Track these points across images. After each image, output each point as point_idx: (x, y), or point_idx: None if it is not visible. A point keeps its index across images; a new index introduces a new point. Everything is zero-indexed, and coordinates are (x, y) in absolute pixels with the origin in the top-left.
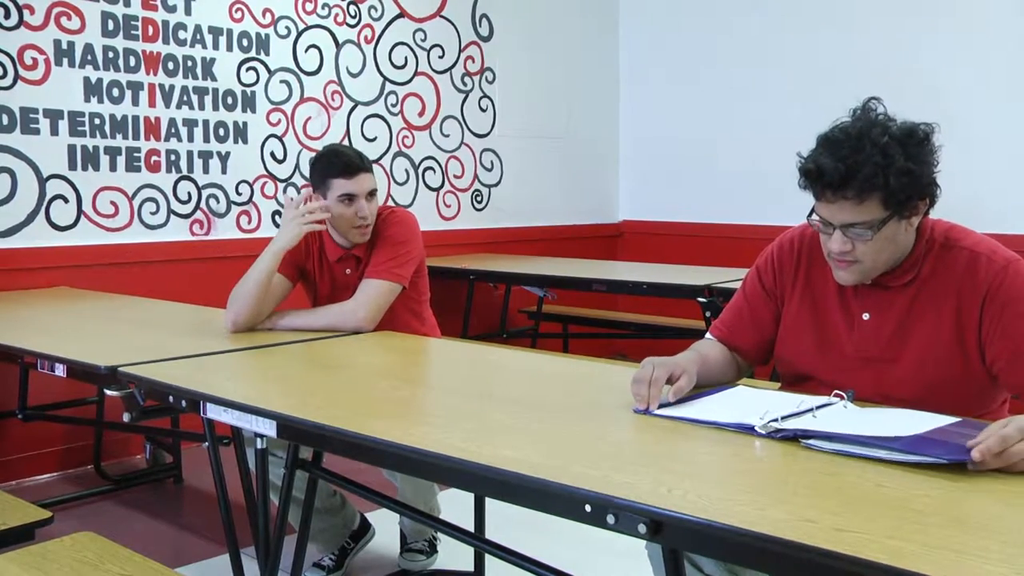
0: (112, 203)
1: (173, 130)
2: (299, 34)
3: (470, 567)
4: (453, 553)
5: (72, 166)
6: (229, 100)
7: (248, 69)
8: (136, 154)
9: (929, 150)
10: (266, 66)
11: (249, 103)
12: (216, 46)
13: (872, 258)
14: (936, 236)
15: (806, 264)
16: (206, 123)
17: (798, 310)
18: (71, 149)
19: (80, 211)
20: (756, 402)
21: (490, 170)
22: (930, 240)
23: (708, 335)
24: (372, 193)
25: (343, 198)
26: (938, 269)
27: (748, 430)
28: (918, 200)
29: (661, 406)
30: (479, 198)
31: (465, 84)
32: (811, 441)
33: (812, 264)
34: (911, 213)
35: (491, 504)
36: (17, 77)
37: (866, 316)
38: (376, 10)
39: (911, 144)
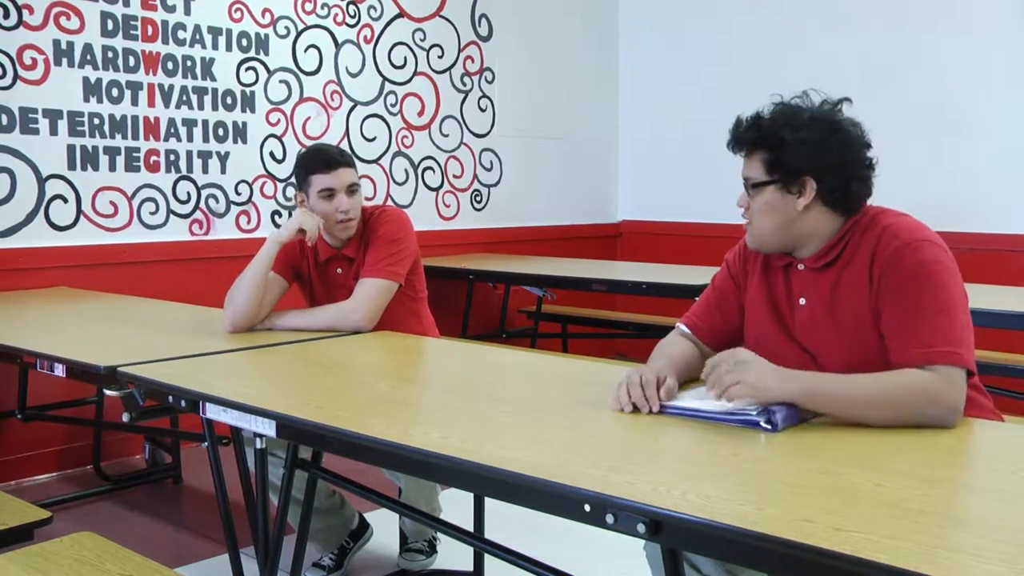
0: (111, 203)
1: (172, 130)
2: (298, 34)
3: (470, 567)
4: (453, 553)
5: (71, 166)
6: (228, 100)
7: (247, 69)
8: (135, 154)
9: (838, 137)
10: (265, 66)
11: (248, 103)
12: (215, 46)
13: (756, 220)
14: (864, 221)
15: (765, 254)
16: (205, 123)
17: (756, 296)
18: (70, 149)
19: (79, 211)
20: None
21: (489, 170)
22: (856, 224)
23: (678, 323)
24: (352, 188)
25: (323, 193)
26: (857, 251)
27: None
28: (804, 176)
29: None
30: (478, 198)
31: (464, 84)
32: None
33: (771, 255)
34: (798, 190)
35: (491, 504)
36: (16, 77)
37: (802, 301)
38: (375, 10)
39: (817, 122)
